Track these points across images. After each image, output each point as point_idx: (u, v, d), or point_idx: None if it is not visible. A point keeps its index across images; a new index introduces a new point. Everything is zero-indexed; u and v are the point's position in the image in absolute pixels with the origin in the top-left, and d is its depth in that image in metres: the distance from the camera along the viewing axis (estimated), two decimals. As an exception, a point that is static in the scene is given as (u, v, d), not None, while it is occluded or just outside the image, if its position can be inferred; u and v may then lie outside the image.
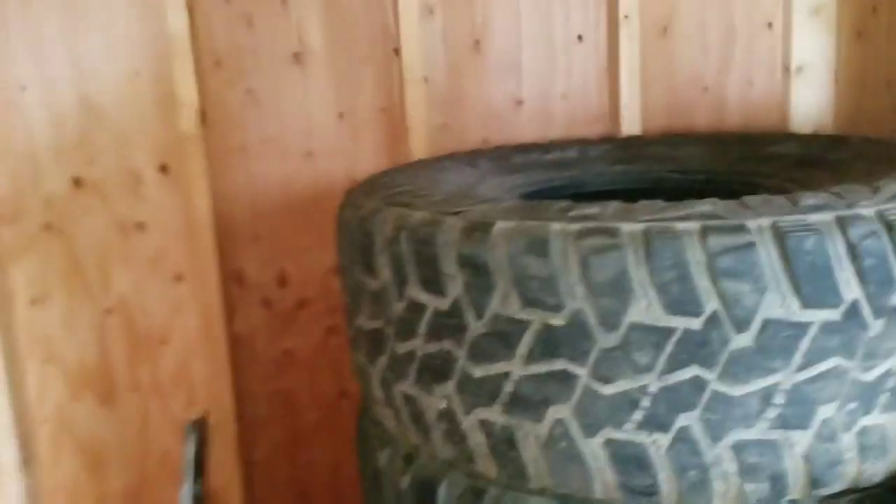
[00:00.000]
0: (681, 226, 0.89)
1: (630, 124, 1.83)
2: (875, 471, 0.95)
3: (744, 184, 1.45)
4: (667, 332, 0.89)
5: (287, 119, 1.78)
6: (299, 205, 1.83)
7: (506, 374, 0.97)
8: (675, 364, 0.90)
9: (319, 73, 1.78)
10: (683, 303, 0.88)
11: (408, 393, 1.11)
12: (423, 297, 1.03)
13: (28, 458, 1.66)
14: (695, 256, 0.87)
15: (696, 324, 0.88)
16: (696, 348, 0.89)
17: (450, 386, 1.03)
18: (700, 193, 1.50)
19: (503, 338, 0.96)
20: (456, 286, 0.98)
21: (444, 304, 1.00)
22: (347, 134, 1.81)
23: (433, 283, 1.01)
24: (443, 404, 1.05)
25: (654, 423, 0.92)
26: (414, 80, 1.78)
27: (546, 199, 1.47)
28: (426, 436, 1.11)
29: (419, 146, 1.80)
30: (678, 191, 1.52)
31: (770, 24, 1.87)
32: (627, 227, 0.90)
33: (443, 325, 1.01)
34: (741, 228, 0.87)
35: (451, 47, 1.81)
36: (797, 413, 0.90)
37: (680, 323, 0.88)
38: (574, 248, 0.90)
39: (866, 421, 0.91)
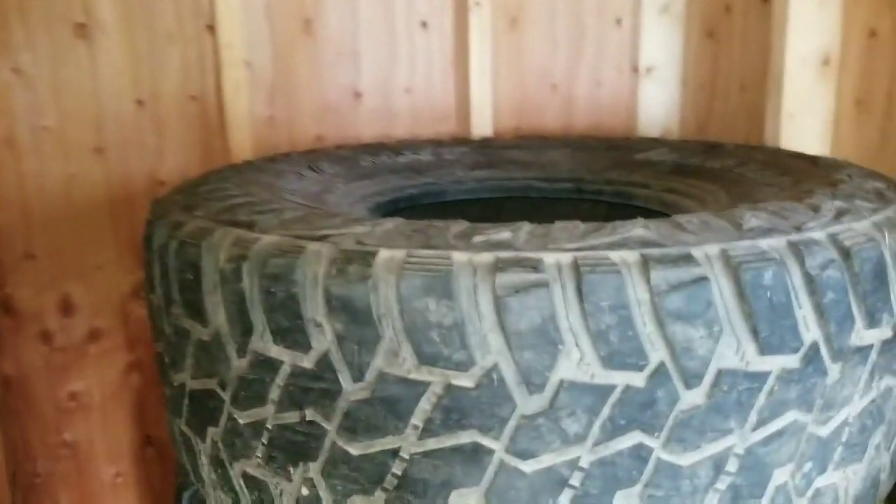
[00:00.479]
0: (616, 256, 0.70)
1: (480, 123, 1.65)
2: (821, 534, 0.82)
3: (617, 194, 1.31)
4: (604, 390, 0.70)
5: (69, 106, 1.43)
6: (87, 213, 1.47)
7: (394, 452, 0.74)
8: (613, 430, 0.71)
9: (111, 51, 1.43)
10: (624, 353, 0.69)
11: (252, 474, 0.84)
12: (275, 351, 0.77)
13: None
14: (637, 295, 0.69)
15: (639, 379, 0.70)
16: (638, 409, 0.71)
17: (314, 468, 0.78)
18: (571, 204, 1.36)
19: (391, 404, 0.73)
20: (324, 337, 0.73)
21: (306, 360, 0.75)
22: (149, 125, 1.48)
23: (291, 334, 0.75)
24: (305, 491, 0.80)
25: None
26: (233, 64, 1.49)
27: (403, 209, 1.25)
28: (277, 525, 0.85)
29: (240, 143, 1.51)
30: (546, 201, 1.36)
31: (619, 21, 1.76)
32: (552, 259, 0.70)
33: (305, 389, 0.76)
34: (688, 259, 0.70)
35: (277, 26, 1.53)
36: (751, 480, 0.74)
37: (620, 379, 0.70)
38: (486, 287, 0.69)
39: (821, 482, 0.78)
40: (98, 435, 1.55)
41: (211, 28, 1.48)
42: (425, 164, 1.40)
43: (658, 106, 1.80)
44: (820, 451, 0.77)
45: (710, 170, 1.25)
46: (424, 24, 1.64)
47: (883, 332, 0.78)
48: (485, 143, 1.52)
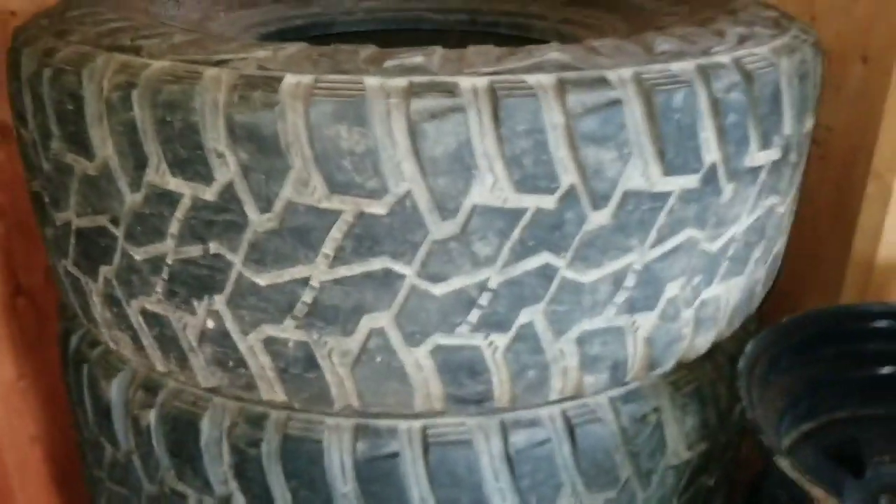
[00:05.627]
0: (532, 79, 0.69)
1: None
2: (703, 343, 0.89)
3: (513, 26, 1.28)
4: (515, 213, 0.71)
5: None
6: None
7: (304, 281, 0.73)
8: (522, 252, 0.73)
9: None
10: (537, 177, 0.70)
11: (152, 311, 0.81)
12: (174, 183, 0.72)
13: None
14: (552, 118, 0.68)
15: (549, 202, 0.71)
16: (547, 231, 0.72)
17: (220, 300, 0.77)
18: (465, 36, 1.32)
19: (301, 234, 0.71)
20: (227, 168, 0.70)
21: (208, 192, 0.71)
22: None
23: (190, 165, 0.71)
24: (210, 324, 0.78)
25: (492, 322, 0.76)
26: None
27: (290, 41, 1.18)
28: (182, 362, 0.84)
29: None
30: (440, 33, 1.32)
31: None
32: (468, 83, 0.68)
33: (208, 222, 0.73)
34: (603, 82, 0.70)
35: None
36: (646, 293, 0.79)
37: (531, 202, 0.71)
38: (400, 112, 0.66)
39: (706, 293, 0.84)
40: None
41: None
42: (311, -8, 1.32)
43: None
44: (708, 265, 0.82)
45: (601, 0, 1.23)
46: None
47: (773, 154, 0.82)
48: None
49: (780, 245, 0.96)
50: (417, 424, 0.82)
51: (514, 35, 1.26)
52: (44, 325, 1.53)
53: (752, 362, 0.87)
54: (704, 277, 0.82)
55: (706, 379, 0.94)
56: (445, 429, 0.82)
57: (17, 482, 1.55)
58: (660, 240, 0.77)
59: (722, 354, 0.96)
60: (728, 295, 0.87)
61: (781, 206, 0.89)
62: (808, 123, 0.90)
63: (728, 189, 0.79)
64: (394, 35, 1.31)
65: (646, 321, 0.81)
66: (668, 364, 0.86)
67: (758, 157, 0.80)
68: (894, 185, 1.11)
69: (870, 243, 1.15)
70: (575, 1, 1.27)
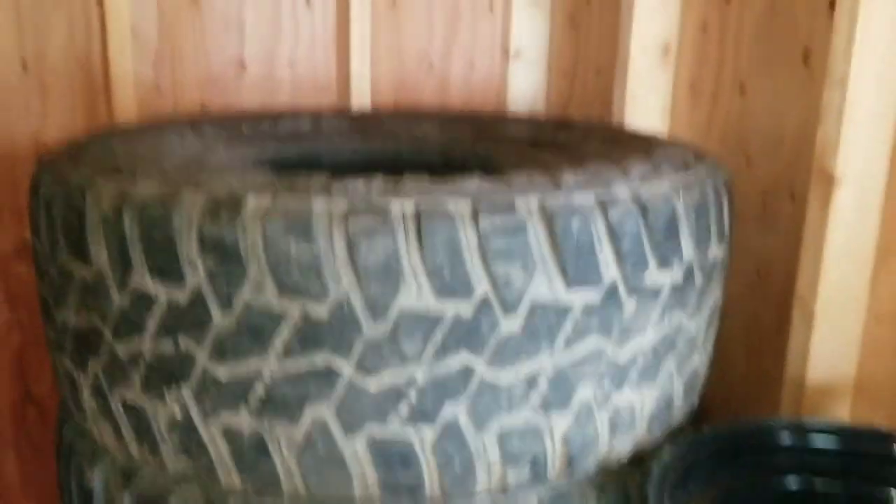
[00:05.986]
0: (452, 205, 0.83)
1: (359, 97, 1.76)
2: (623, 448, 0.98)
3: (479, 164, 1.45)
4: (437, 318, 0.83)
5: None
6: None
7: (257, 374, 0.85)
8: (444, 352, 0.84)
9: (-6, 13, 1.46)
10: (455, 286, 0.83)
11: (131, 401, 0.93)
12: (152, 287, 0.86)
13: None
14: (467, 238, 0.82)
15: (466, 308, 0.84)
16: (465, 334, 0.84)
17: (186, 390, 0.89)
18: (439, 172, 1.48)
19: (255, 332, 0.84)
20: (197, 274, 0.84)
21: (180, 295, 0.85)
22: (33, 87, 1.52)
23: (167, 271, 0.85)
24: (176, 412, 0.90)
25: (421, 415, 0.87)
26: (119, 31, 1.54)
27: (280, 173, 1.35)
28: (154, 448, 0.95)
29: (125, 108, 1.56)
30: (416, 169, 1.49)
31: (492, 7, 1.90)
32: (397, 206, 0.82)
33: (179, 320, 0.86)
34: (511, 208, 0.84)
35: (163, -4, 1.59)
36: (559, 395, 0.90)
37: (451, 308, 0.83)
38: (340, 230, 0.81)
39: (618, 399, 0.94)
40: (-22, 391, 1.58)
41: (97, -6, 1.53)
42: (304, 132, 1.50)
43: (526, 87, 1.95)
44: (618, 372, 0.93)
45: (559, 142, 1.40)
46: (308, 1, 1.73)
47: (674, 275, 0.95)
48: (362, 116, 1.63)
49: (697, 360, 1.06)
50: (356, 510, 0.92)
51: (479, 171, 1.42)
52: (50, 432, 1.64)
53: (665, 469, 0.95)
54: (614, 383, 0.93)
55: (634, 486, 1.02)
56: (381, 515, 0.91)
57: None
58: (567, 346, 0.88)
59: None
60: (642, 402, 0.97)
61: (691, 323, 1.01)
62: (715, 251, 1.03)
63: (630, 304, 0.91)
64: (374, 169, 1.48)
65: (561, 421, 0.91)
66: (590, 466, 0.96)
67: (658, 277, 0.93)
68: (816, 309, 1.22)
69: (800, 365, 1.25)
70: (533, 143, 1.44)
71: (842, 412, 1.24)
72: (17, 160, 1.52)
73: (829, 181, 1.17)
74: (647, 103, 1.59)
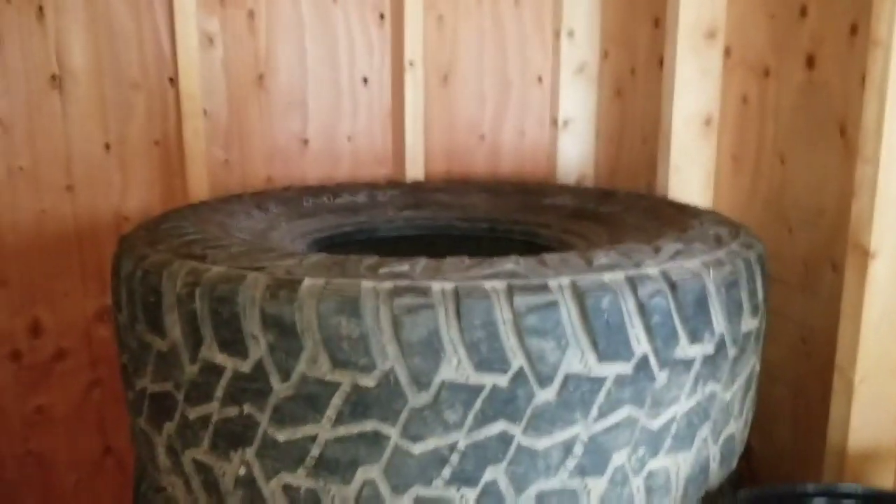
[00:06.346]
0: (488, 285, 0.91)
1: (413, 167, 1.86)
2: (659, 510, 1.02)
3: (524, 233, 1.52)
4: (476, 389, 0.90)
5: (42, 148, 1.60)
6: (56, 244, 1.64)
7: (312, 438, 0.93)
8: (483, 420, 0.91)
9: (82, 99, 1.62)
10: (492, 360, 0.90)
11: (200, 460, 1.02)
12: (220, 358, 0.95)
13: None
14: (502, 315, 0.89)
15: (503, 380, 0.90)
16: (503, 404, 0.91)
17: (250, 451, 0.97)
18: (485, 241, 1.57)
19: (310, 400, 0.92)
20: (259, 347, 0.93)
21: (245, 365, 0.94)
22: (115, 166, 1.66)
23: (233, 345, 0.94)
24: (242, 471, 0.98)
25: (463, 478, 0.93)
26: (192, 113, 1.68)
27: (338, 244, 1.45)
28: (220, 502, 1.03)
29: (198, 182, 1.70)
30: (465, 238, 1.57)
31: (540, 79, 1.99)
32: (438, 286, 0.90)
33: (243, 389, 0.95)
34: (544, 288, 0.91)
35: (233, 80, 1.73)
36: (594, 461, 0.95)
37: (488, 380, 0.90)
38: (386, 308, 0.89)
39: (653, 464, 0.99)
40: (61, 445, 1.70)
41: (173, 80, 1.67)
42: (361, 204, 1.61)
43: (574, 155, 2.03)
44: (651, 439, 0.98)
45: (600, 214, 1.47)
46: (365, 80, 1.85)
47: (705, 348, 1.00)
48: (415, 187, 1.73)
49: (733, 427, 1.10)
50: (403, 568, 0.98)
51: (524, 240, 1.50)
52: (127, 482, 1.75)
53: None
54: (649, 450, 0.98)
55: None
56: (427, 573, 0.97)
57: None
58: (601, 415, 0.94)
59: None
60: (677, 468, 1.02)
61: (726, 393, 1.05)
62: (749, 323, 1.07)
63: (662, 376, 0.96)
64: (426, 238, 1.57)
65: (597, 485, 0.96)
66: (625, 526, 1.00)
67: (689, 350, 0.98)
68: (855, 378, 1.24)
69: (841, 432, 1.27)
70: (576, 214, 1.51)
71: (885, 480, 1.25)
72: (100, 232, 1.66)
73: (864, 254, 1.20)
74: (690, 173, 1.65)
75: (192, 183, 1.69)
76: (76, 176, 1.64)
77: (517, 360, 0.90)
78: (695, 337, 0.98)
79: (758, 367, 1.16)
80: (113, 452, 1.76)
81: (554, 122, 2.01)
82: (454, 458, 0.92)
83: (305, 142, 1.81)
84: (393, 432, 0.91)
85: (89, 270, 1.67)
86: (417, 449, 0.92)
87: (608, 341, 0.92)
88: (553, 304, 0.90)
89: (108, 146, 1.65)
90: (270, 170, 1.79)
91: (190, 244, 1.08)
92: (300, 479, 0.96)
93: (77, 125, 1.63)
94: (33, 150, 1.60)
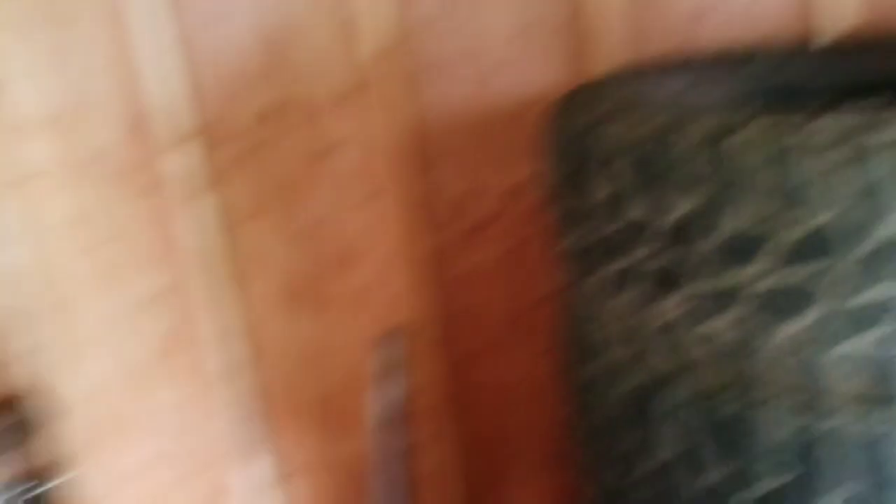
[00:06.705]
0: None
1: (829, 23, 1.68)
2: None
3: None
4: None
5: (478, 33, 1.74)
6: (491, 122, 1.80)
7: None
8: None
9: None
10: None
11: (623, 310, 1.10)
12: (665, 203, 1.00)
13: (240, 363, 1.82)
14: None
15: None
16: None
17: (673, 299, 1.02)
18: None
19: (741, 251, 0.94)
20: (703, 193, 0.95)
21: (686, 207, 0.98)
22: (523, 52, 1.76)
23: (673, 192, 0.99)
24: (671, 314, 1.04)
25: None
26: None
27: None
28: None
29: (607, 56, 1.73)
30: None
31: None
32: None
33: (686, 231, 0.99)
34: None
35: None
36: None
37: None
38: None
39: None
40: (499, 295, 1.92)
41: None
42: (780, 65, 1.51)
43: None
44: None
45: None
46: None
47: None
48: (835, 47, 1.57)
49: None
50: None
51: None
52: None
53: None
54: None
55: None
56: None
57: None
58: None
59: None
60: None
61: None
62: None
63: None
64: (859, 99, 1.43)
65: None
66: None
67: None
68: None
69: None
70: None
71: None
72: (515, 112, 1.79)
73: None
74: None
75: (601, 57, 1.73)
76: (504, 57, 1.76)
77: None
78: None
79: None
80: (543, 305, 1.90)
81: None
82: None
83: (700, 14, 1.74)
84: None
85: (515, 144, 1.80)
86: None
87: None
88: None
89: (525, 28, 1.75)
90: (672, 40, 1.75)
91: (617, 104, 1.14)
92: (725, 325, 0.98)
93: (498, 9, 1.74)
94: (471, 35, 1.76)
